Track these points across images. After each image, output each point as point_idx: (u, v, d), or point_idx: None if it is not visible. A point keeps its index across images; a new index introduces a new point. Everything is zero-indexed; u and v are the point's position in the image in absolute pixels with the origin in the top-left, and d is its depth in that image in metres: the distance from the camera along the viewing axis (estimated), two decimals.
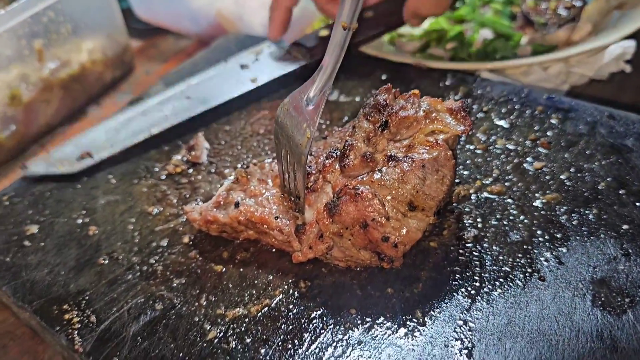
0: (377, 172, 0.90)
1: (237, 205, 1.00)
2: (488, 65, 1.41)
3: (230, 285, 0.96)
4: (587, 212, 0.98)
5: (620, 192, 1.00)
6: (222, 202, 1.03)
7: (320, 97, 0.95)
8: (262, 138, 1.28)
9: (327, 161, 0.96)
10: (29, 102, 1.51)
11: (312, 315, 0.89)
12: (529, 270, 0.90)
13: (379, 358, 0.82)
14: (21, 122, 1.51)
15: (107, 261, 1.03)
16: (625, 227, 0.94)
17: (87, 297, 0.97)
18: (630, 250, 0.91)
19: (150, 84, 1.54)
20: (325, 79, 0.95)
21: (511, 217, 0.99)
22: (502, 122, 1.19)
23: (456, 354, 0.81)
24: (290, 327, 0.88)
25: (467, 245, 0.96)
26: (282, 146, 0.99)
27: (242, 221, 0.99)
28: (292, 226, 0.95)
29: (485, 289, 0.88)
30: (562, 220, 0.97)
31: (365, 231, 0.87)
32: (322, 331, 0.86)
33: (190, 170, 1.21)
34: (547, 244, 0.94)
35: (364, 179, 0.90)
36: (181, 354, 0.86)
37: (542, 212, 0.99)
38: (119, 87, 1.77)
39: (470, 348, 0.81)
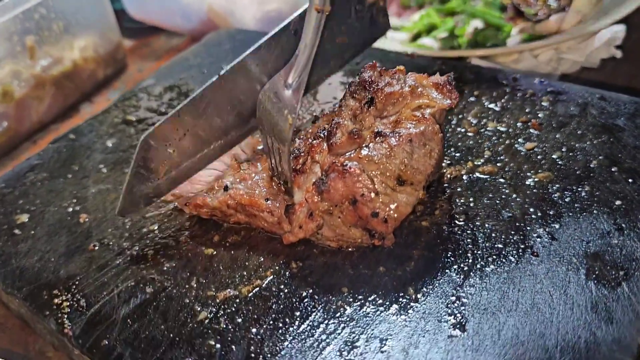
0: (365, 148, 0.89)
1: (226, 189, 0.99)
2: (479, 52, 1.41)
3: (221, 268, 0.95)
4: (579, 189, 0.97)
5: (612, 169, 1.00)
6: (213, 186, 1.03)
7: (298, 82, 0.95)
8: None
9: (314, 141, 0.95)
10: (20, 99, 1.51)
11: (304, 295, 0.88)
12: (522, 246, 0.90)
13: (372, 334, 0.81)
14: (13, 119, 1.51)
15: (97, 247, 1.02)
16: (618, 202, 0.94)
17: (77, 282, 0.96)
18: (623, 225, 0.90)
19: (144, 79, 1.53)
20: (302, 63, 0.95)
21: (503, 196, 0.98)
22: (493, 105, 1.18)
23: (449, 328, 0.80)
24: (282, 306, 0.87)
25: (459, 223, 0.95)
26: (267, 132, 0.99)
27: (232, 205, 0.99)
28: (281, 207, 0.95)
29: (478, 266, 0.88)
30: (555, 198, 0.96)
31: (355, 207, 0.87)
32: (313, 310, 0.86)
33: None
34: (539, 220, 0.93)
35: (352, 155, 0.90)
36: (172, 335, 0.85)
37: (534, 190, 0.99)
38: (112, 84, 1.78)
39: (463, 323, 0.80)
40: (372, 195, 0.86)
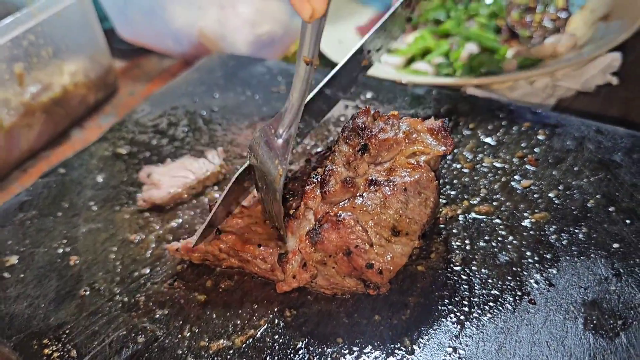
0: (359, 197, 0.88)
1: (218, 232, 0.97)
2: (474, 81, 1.40)
3: (214, 316, 0.93)
4: (576, 231, 0.96)
5: (609, 209, 0.99)
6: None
7: (288, 132, 0.93)
8: (245, 160, 1.26)
9: (307, 187, 0.94)
10: (10, 127, 1.49)
11: (298, 346, 0.87)
12: (518, 293, 0.88)
13: None
14: (2, 148, 1.48)
15: (88, 292, 1.00)
16: (615, 245, 0.93)
17: (67, 331, 0.94)
18: (621, 270, 0.89)
19: (135, 105, 1.51)
20: (292, 114, 0.93)
21: (500, 238, 0.97)
22: (488, 140, 1.17)
23: None
24: (276, 358, 0.85)
25: (455, 268, 0.94)
26: (259, 178, 0.97)
27: (224, 249, 0.97)
28: (275, 255, 0.93)
29: (475, 314, 0.86)
30: (552, 240, 0.95)
31: (349, 258, 0.85)
32: None
33: None
34: (536, 265, 0.92)
35: (346, 205, 0.88)
36: None
37: (531, 232, 0.97)
38: (103, 109, 1.75)
39: None
40: (367, 246, 0.85)
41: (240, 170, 0.99)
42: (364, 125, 0.94)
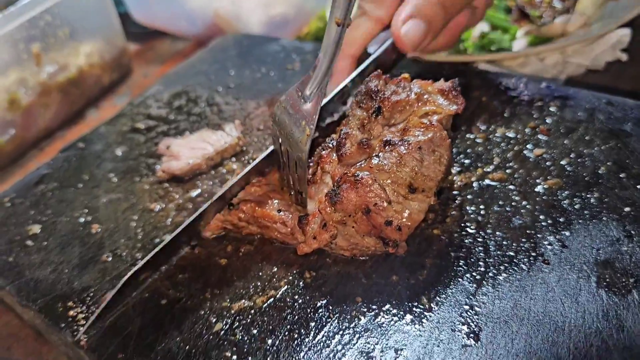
0: (375, 157, 0.90)
1: (230, 206, 1.00)
2: (486, 56, 1.41)
3: (235, 278, 0.96)
4: (588, 196, 0.98)
5: (620, 175, 1.00)
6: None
7: (317, 94, 0.95)
8: (262, 134, 1.28)
9: (324, 152, 0.96)
10: (27, 107, 1.52)
11: (318, 305, 0.89)
12: (533, 254, 0.90)
13: (386, 344, 0.82)
14: (20, 127, 1.51)
15: (110, 258, 1.03)
16: (627, 209, 0.95)
17: (91, 294, 0.97)
18: (632, 232, 0.91)
19: (149, 86, 1.54)
20: (321, 76, 0.94)
21: (513, 203, 0.99)
22: (500, 111, 1.19)
23: (463, 337, 0.81)
24: (296, 317, 0.88)
25: (470, 231, 0.96)
26: (281, 143, 0.99)
27: (243, 218, 0.99)
28: (294, 218, 0.96)
29: (490, 274, 0.89)
30: (564, 205, 0.97)
31: (368, 217, 0.88)
32: (328, 320, 0.87)
33: None
34: (550, 228, 0.94)
35: (362, 165, 0.90)
36: (187, 347, 0.86)
37: (544, 197, 0.99)
38: (118, 90, 1.78)
39: (477, 332, 0.81)
40: (385, 204, 0.87)
41: (260, 158, 1.02)
42: (377, 89, 0.97)
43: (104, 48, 1.73)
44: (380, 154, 0.90)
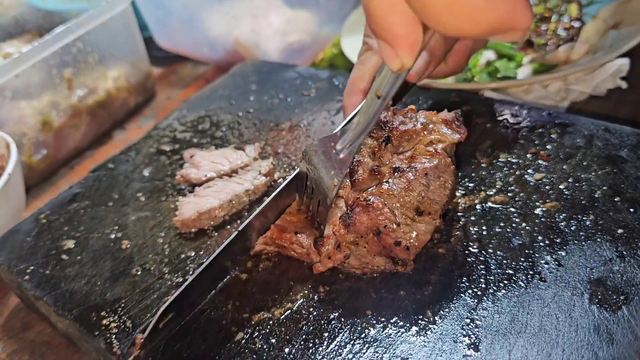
0: (385, 183, 0.99)
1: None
2: (491, 84, 1.49)
3: (255, 291, 1.03)
4: (584, 218, 1.05)
5: (615, 199, 1.07)
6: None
7: (349, 150, 1.00)
8: (281, 157, 1.37)
9: None
10: (59, 128, 1.61)
11: (331, 317, 0.96)
12: (530, 272, 0.97)
13: (394, 354, 0.89)
14: (52, 147, 1.61)
15: (140, 272, 1.11)
16: (620, 231, 1.01)
17: (122, 305, 1.05)
18: (624, 252, 0.97)
19: (172, 109, 1.62)
20: (355, 136, 0.99)
21: (514, 225, 1.06)
22: (504, 137, 1.26)
23: (464, 348, 0.88)
24: (311, 327, 0.95)
25: (473, 251, 1.03)
26: (308, 179, 1.05)
27: (262, 241, 1.08)
28: (310, 239, 1.03)
29: (491, 290, 0.95)
30: (561, 226, 1.04)
31: (379, 238, 0.96)
32: (340, 331, 0.94)
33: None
34: (547, 248, 1.01)
35: (374, 190, 0.98)
36: (211, 354, 0.93)
37: (542, 219, 1.06)
38: (143, 112, 1.87)
39: (477, 343, 0.88)
40: (394, 226, 0.95)
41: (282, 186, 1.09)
42: (386, 119, 1.06)
43: (130, 72, 1.82)
44: (390, 179, 0.99)
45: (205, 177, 1.27)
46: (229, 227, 1.19)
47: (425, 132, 1.03)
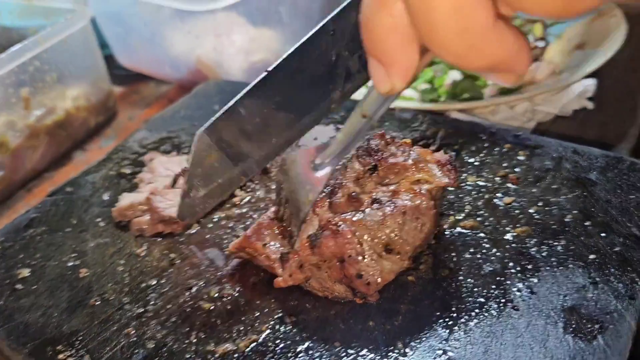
0: (360, 212, 0.96)
1: None
2: (457, 105, 1.48)
3: (219, 322, 0.99)
4: (555, 243, 1.03)
5: (585, 223, 1.06)
6: None
7: (329, 167, 0.95)
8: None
9: (319, 196, 1.01)
10: (15, 149, 1.55)
11: (298, 349, 0.93)
12: (502, 300, 0.95)
13: None
14: (8, 168, 1.55)
15: (98, 302, 1.06)
16: (592, 256, 1.00)
17: (80, 337, 1.00)
18: (597, 279, 0.96)
19: (134, 129, 1.58)
20: (336, 155, 0.94)
21: (484, 251, 1.04)
22: (472, 160, 1.25)
23: None
24: None
25: (443, 278, 1.01)
26: (283, 189, 1.03)
27: (232, 247, 1.06)
28: (277, 254, 1.01)
29: (462, 320, 0.93)
30: (533, 252, 1.03)
31: (342, 266, 0.93)
32: None
33: None
34: (519, 274, 0.99)
35: (347, 217, 0.96)
36: None
37: (513, 244, 1.05)
38: (104, 132, 1.82)
39: None
40: (359, 258, 0.92)
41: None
42: (377, 148, 1.03)
43: (90, 91, 1.77)
44: (366, 209, 0.96)
45: (152, 188, 1.26)
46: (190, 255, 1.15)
47: (414, 169, 1.01)
